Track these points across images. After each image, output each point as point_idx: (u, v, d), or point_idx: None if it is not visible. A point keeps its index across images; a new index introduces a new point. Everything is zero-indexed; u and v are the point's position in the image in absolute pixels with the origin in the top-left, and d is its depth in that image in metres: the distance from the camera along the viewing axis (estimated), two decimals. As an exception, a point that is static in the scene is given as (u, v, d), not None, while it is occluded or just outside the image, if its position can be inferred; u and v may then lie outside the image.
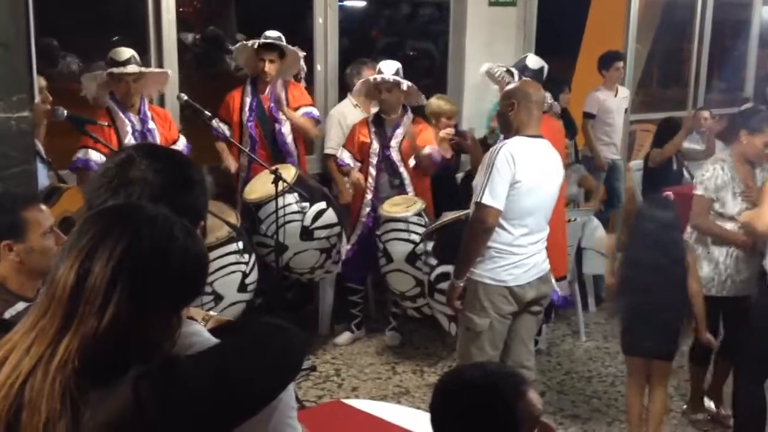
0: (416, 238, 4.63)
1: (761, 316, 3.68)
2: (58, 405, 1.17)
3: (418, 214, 4.68)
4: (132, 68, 4.35)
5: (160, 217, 1.28)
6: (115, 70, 4.33)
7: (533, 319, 3.68)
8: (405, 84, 4.85)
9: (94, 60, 4.54)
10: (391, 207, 4.77)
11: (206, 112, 4.49)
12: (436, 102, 5.42)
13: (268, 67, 4.88)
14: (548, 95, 4.56)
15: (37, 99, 4.08)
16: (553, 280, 3.96)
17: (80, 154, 4.24)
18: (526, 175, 3.36)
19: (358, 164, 5.05)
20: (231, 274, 4.14)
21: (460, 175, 5.62)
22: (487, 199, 3.33)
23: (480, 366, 2.09)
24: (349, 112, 5.39)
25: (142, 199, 1.43)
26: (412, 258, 4.63)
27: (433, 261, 4.34)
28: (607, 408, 4.40)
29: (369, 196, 4.99)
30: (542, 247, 3.57)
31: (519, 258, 3.46)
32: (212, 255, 4.07)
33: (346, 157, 5.07)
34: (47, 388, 1.17)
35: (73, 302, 1.21)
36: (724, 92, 8.92)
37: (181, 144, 4.58)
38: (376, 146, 4.95)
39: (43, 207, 2.44)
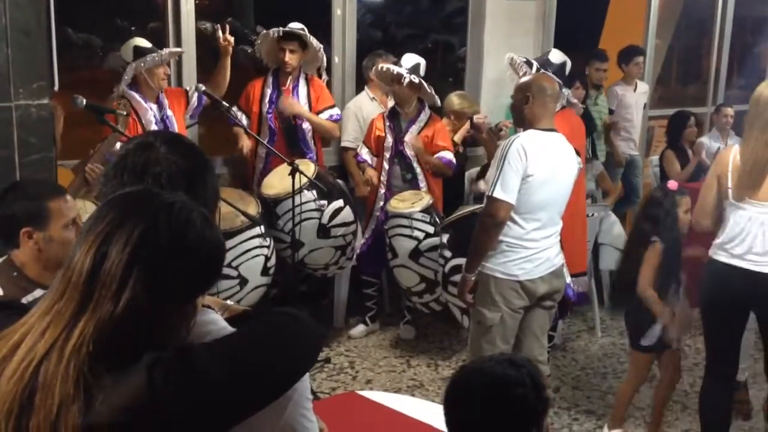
0: (420, 234, 4.59)
1: (709, 307, 3.56)
2: (72, 389, 1.16)
3: (424, 210, 4.63)
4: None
5: (177, 203, 1.28)
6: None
7: (545, 314, 3.66)
8: (408, 78, 4.73)
9: (112, 50, 4.56)
10: (398, 203, 4.74)
11: (224, 103, 4.50)
12: (458, 101, 5.34)
13: (289, 57, 4.85)
14: (568, 92, 4.52)
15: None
16: (569, 276, 3.93)
17: None
18: (538, 168, 3.34)
19: (376, 159, 5.04)
20: (255, 258, 4.22)
21: (475, 170, 5.54)
22: (498, 193, 3.30)
23: (496, 358, 2.07)
24: (366, 105, 5.38)
25: (163, 181, 1.43)
26: (415, 254, 4.61)
27: (448, 253, 4.32)
28: (622, 404, 4.37)
29: (382, 190, 4.98)
30: (555, 241, 3.55)
31: (531, 252, 3.44)
32: (238, 239, 4.11)
33: (364, 153, 5.08)
34: (61, 371, 1.17)
35: (89, 286, 1.21)
36: (744, 88, 8.82)
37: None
38: (390, 140, 4.93)
39: (68, 198, 2.42)
